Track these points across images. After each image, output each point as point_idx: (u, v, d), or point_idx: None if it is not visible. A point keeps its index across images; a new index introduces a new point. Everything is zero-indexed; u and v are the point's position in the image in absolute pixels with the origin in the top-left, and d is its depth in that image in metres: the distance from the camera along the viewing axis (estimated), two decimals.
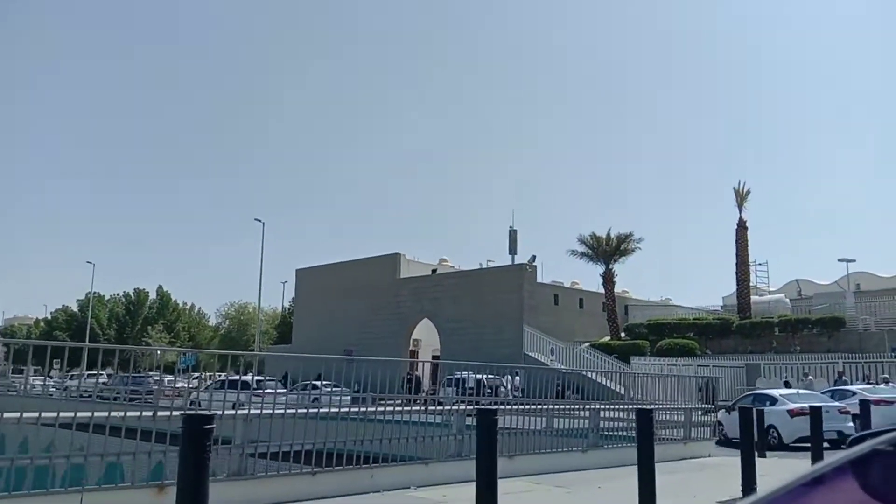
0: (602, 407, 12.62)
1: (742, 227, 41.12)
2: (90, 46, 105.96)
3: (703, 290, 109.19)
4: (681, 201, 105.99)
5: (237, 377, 12.71)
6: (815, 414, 10.75)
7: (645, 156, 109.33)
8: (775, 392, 20.72)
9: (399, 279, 45.55)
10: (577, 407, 13.02)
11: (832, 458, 1.26)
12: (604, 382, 35.96)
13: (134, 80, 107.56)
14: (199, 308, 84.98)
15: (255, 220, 49.62)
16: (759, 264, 47.03)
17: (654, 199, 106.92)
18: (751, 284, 44.42)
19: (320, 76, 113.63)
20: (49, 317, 76.43)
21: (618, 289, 56.28)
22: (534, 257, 39.76)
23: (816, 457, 10.64)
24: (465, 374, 20.72)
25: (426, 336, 45.31)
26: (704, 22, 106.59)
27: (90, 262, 66.79)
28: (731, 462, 12.64)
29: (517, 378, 25.36)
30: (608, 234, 43.39)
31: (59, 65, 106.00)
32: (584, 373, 36.85)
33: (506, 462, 9.56)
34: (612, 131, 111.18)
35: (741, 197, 41.17)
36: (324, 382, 19.04)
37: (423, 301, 43.90)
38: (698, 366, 35.48)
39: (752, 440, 9.47)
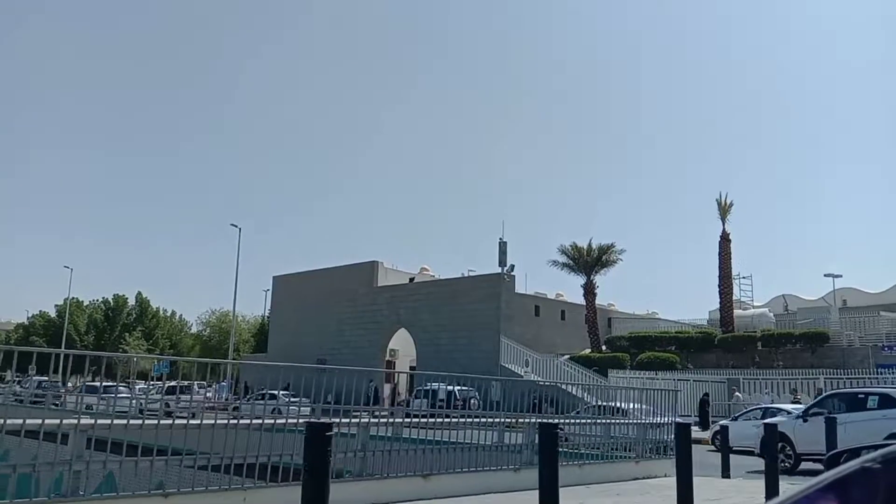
0: (542, 421, 11.57)
1: (725, 240, 40.34)
2: (69, 44, 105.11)
3: (690, 304, 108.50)
4: (668, 214, 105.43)
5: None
6: (771, 429, 9.80)
7: (632, 169, 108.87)
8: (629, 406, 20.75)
9: (376, 287, 44.56)
10: (510, 421, 11.97)
11: (820, 476, 1.19)
12: (579, 395, 35.12)
13: (115, 81, 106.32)
14: (181, 315, 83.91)
15: (231, 224, 48.57)
16: (744, 278, 46.26)
17: (641, 212, 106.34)
18: (735, 298, 43.65)
19: (304, 80, 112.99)
20: (27, 322, 75.11)
21: (603, 302, 55.38)
22: (512, 266, 38.82)
23: (771, 475, 9.69)
24: (435, 385, 19.87)
25: (404, 346, 44.28)
26: (689, 33, 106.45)
27: (67, 267, 65.70)
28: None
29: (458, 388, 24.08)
30: (589, 245, 42.58)
31: (42, 65, 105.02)
32: (561, 385, 36.00)
33: (420, 483, 8.57)
34: (601, 142, 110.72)
35: (724, 209, 40.43)
36: (282, 392, 18.06)
37: (399, 310, 42.89)
38: (678, 380, 34.60)
39: (689, 459, 8.50)
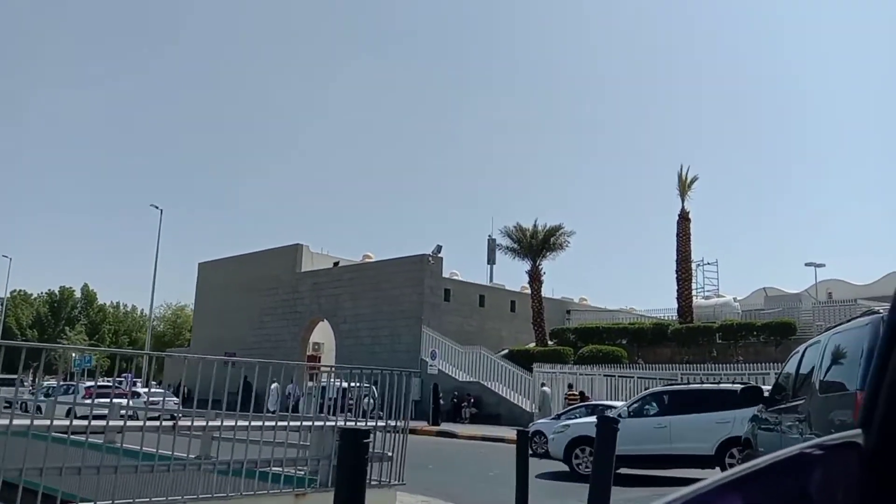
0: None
1: (684, 219, 35.65)
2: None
3: (664, 295, 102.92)
4: (639, 199, 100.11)
5: None
6: None
7: (597, 149, 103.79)
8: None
9: (298, 273, 40.13)
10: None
11: (752, 461, 1.09)
12: (506, 395, 30.65)
13: (37, 64, 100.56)
14: (143, 310, 79.96)
15: (152, 206, 44.21)
16: (708, 264, 41.53)
17: (610, 198, 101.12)
18: (698, 286, 39.09)
19: (245, 59, 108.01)
20: None
21: (574, 296, 50.71)
22: (439, 248, 34.26)
23: None
24: (331, 382, 16.18)
25: (330, 340, 39.82)
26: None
27: (6, 257, 61.79)
28: None
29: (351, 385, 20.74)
30: (534, 227, 37.91)
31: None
32: (485, 384, 31.60)
33: None
34: (567, 121, 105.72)
35: (684, 184, 35.76)
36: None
37: (321, 298, 38.45)
38: (619, 376, 30.06)
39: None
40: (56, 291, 70.42)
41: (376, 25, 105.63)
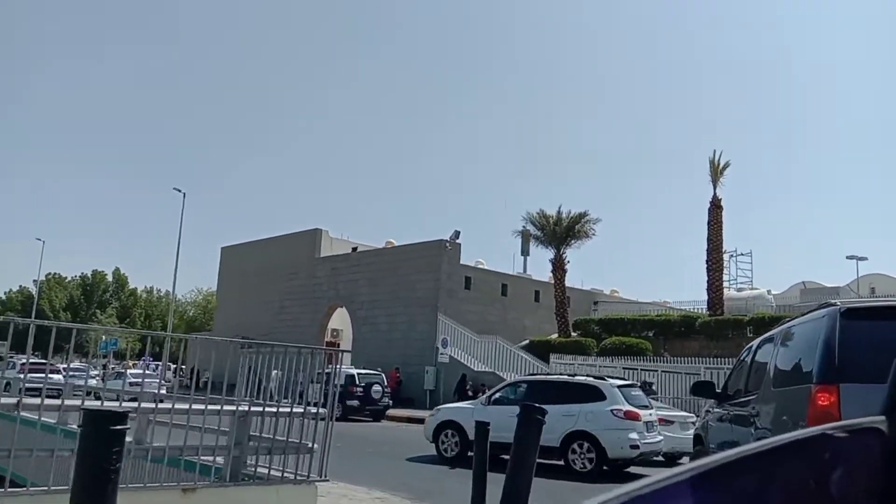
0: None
1: (716, 207, 34.00)
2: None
3: (697, 287, 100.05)
4: (675, 191, 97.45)
5: None
6: None
7: (628, 135, 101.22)
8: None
9: (317, 259, 39.53)
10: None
11: (776, 437, 1.08)
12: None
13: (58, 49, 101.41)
14: (177, 295, 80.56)
15: (175, 189, 43.98)
16: (742, 255, 39.80)
17: (643, 188, 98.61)
18: (731, 278, 37.46)
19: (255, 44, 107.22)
20: (3, 297, 72.54)
21: (605, 287, 49.28)
22: (457, 233, 33.29)
23: None
24: (338, 369, 15.67)
25: (349, 326, 39.20)
26: None
27: (40, 240, 62.61)
28: None
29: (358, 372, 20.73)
30: (559, 213, 36.62)
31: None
32: (500, 374, 30.62)
33: None
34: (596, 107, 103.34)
35: (716, 170, 34.12)
36: None
37: (339, 284, 37.79)
38: (642, 369, 28.88)
39: None
40: (89, 275, 71.27)
41: (402, 8, 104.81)
